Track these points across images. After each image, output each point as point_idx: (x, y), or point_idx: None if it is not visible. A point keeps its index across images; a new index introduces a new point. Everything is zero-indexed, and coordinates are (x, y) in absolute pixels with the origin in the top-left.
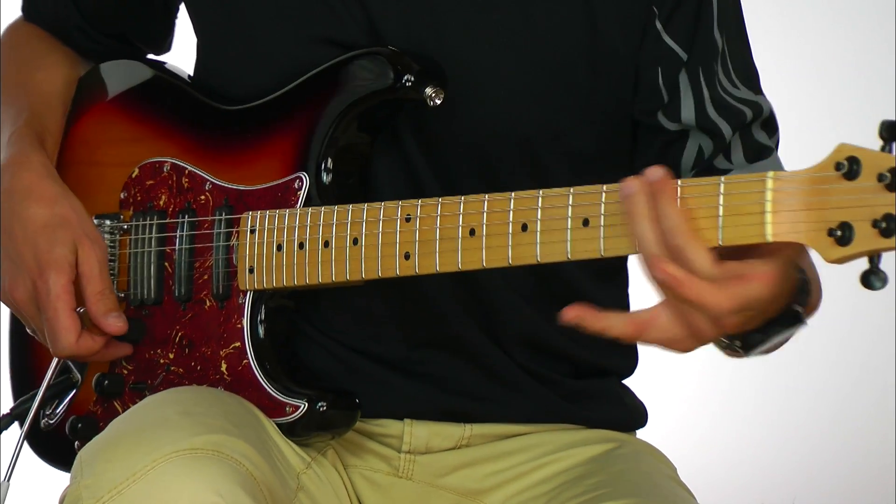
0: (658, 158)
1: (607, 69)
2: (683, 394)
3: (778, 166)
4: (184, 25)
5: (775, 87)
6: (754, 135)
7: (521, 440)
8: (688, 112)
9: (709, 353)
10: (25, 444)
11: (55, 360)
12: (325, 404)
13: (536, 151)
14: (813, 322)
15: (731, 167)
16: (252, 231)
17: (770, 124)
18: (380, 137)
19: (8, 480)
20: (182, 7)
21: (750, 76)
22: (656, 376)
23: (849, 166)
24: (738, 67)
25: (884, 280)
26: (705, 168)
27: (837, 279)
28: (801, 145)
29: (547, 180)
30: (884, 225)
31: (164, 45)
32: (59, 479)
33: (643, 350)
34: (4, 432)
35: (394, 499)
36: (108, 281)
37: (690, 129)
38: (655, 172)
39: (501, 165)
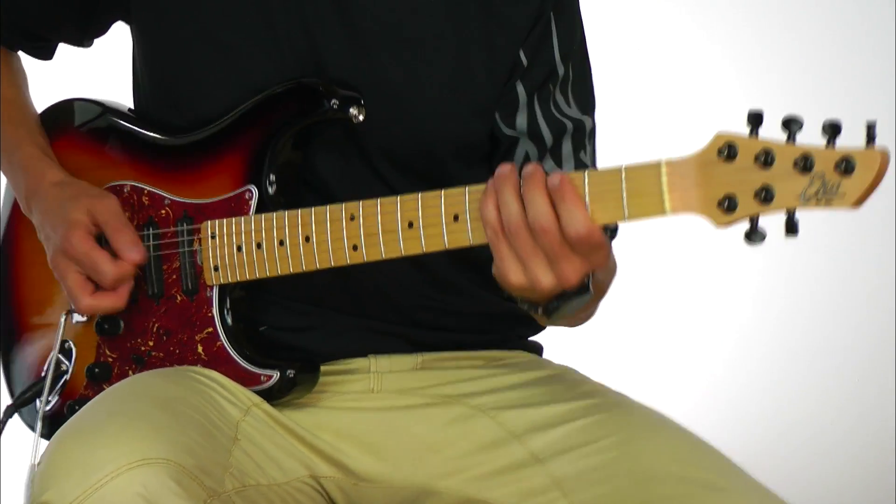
0: (495, 160)
1: (500, 78)
2: (685, 396)
3: None
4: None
5: (776, 87)
6: (581, 157)
7: (471, 360)
8: (521, 122)
9: (713, 357)
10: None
11: (53, 356)
12: (293, 371)
13: (448, 151)
14: (814, 324)
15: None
16: (213, 236)
17: (591, 139)
18: (331, 150)
19: (38, 464)
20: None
21: (585, 102)
22: (657, 378)
23: (728, 151)
24: (576, 94)
25: (762, 236)
26: None
27: (839, 281)
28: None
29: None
30: (763, 194)
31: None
32: None
33: (649, 355)
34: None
35: (369, 411)
36: (122, 220)
37: (521, 135)
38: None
39: (425, 165)
